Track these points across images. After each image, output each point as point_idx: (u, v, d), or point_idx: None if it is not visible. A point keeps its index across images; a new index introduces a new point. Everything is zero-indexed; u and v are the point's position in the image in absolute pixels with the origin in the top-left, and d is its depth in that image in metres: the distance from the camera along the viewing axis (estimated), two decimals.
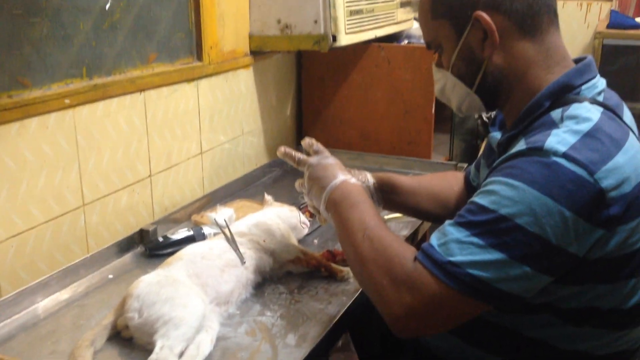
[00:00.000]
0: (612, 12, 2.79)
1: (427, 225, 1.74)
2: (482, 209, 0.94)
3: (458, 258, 0.92)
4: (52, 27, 1.35)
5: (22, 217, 1.33)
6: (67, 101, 1.39)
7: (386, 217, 1.67)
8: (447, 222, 0.98)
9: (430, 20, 1.13)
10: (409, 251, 1.00)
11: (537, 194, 0.90)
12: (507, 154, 0.98)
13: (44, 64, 1.35)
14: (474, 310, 0.96)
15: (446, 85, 1.16)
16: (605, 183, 0.90)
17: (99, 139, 1.50)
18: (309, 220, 1.55)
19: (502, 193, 0.92)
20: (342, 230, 1.11)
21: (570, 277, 0.95)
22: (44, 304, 1.27)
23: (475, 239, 0.92)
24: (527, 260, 0.91)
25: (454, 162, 2.13)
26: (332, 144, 2.31)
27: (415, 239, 1.67)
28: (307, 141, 1.26)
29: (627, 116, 1.07)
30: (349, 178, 1.16)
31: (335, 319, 1.20)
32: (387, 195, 1.37)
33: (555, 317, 1.00)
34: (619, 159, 0.92)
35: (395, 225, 1.65)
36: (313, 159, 1.22)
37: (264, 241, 1.35)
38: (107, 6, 1.49)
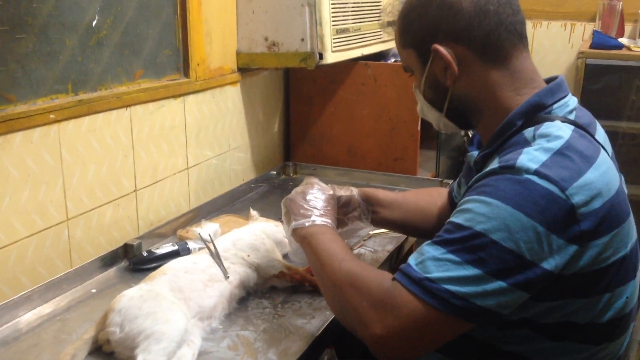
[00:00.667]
0: (595, 32, 2.83)
1: (412, 240, 1.75)
2: (458, 226, 0.95)
3: (434, 274, 0.93)
4: (38, 43, 1.36)
5: (5, 231, 1.33)
6: (52, 116, 1.39)
7: (371, 232, 1.68)
8: (425, 242, 0.99)
9: (401, 48, 1.17)
10: (387, 274, 1.02)
11: (511, 210, 0.91)
12: (480, 173, 1.00)
13: (29, 79, 1.36)
14: (454, 329, 0.96)
15: (423, 107, 1.21)
16: (576, 199, 0.92)
17: (84, 153, 1.50)
18: None
19: (477, 210, 0.94)
20: (317, 260, 1.12)
21: (547, 292, 0.96)
22: (26, 318, 1.26)
23: (451, 256, 0.93)
24: (502, 275, 0.91)
25: (440, 179, 2.15)
26: (319, 160, 2.33)
27: (400, 254, 1.67)
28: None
29: (600, 134, 1.09)
30: (328, 222, 1.19)
31: (318, 334, 1.20)
32: (372, 209, 1.38)
33: (534, 332, 1.01)
34: (590, 175, 0.94)
35: (381, 241, 1.65)
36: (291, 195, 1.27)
37: (249, 256, 1.36)
38: (94, 23, 1.50)
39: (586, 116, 1.09)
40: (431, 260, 0.94)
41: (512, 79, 1.07)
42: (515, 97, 1.07)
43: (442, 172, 2.50)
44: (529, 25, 3.06)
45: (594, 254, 0.94)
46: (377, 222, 1.42)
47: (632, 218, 1.04)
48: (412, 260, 0.98)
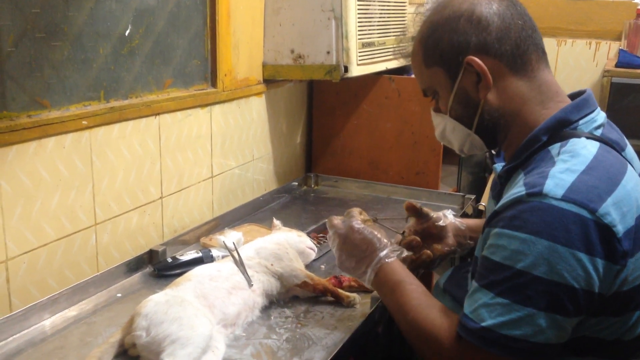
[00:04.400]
0: (620, 51, 2.82)
1: None
2: (499, 266, 0.95)
3: (489, 322, 0.94)
4: (72, 50, 1.40)
5: (35, 234, 1.36)
6: (84, 122, 1.42)
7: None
8: (475, 285, 0.99)
9: (424, 69, 1.16)
10: (453, 325, 1.01)
11: (545, 243, 0.90)
12: (507, 199, 0.98)
13: (63, 86, 1.39)
14: None
15: (446, 128, 1.19)
16: (609, 219, 0.91)
17: (113, 160, 1.53)
18: (317, 246, 1.56)
19: (512, 247, 0.93)
20: (390, 312, 1.17)
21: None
22: (52, 320, 1.28)
23: (499, 299, 0.93)
24: (554, 308, 0.91)
25: (461, 194, 2.15)
26: (341, 173, 2.34)
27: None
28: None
29: (629, 151, 1.09)
30: (384, 257, 1.19)
31: (341, 345, 1.20)
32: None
33: (560, 348, 1.01)
34: (618, 193, 0.94)
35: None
36: (342, 229, 1.25)
37: (272, 265, 1.37)
38: (127, 32, 1.53)
39: (615, 133, 1.09)
40: (483, 307, 0.95)
41: (539, 92, 1.08)
42: (541, 111, 1.07)
43: (463, 187, 2.50)
44: (553, 42, 3.05)
45: (629, 272, 0.94)
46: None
47: None
48: (467, 308, 0.98)
